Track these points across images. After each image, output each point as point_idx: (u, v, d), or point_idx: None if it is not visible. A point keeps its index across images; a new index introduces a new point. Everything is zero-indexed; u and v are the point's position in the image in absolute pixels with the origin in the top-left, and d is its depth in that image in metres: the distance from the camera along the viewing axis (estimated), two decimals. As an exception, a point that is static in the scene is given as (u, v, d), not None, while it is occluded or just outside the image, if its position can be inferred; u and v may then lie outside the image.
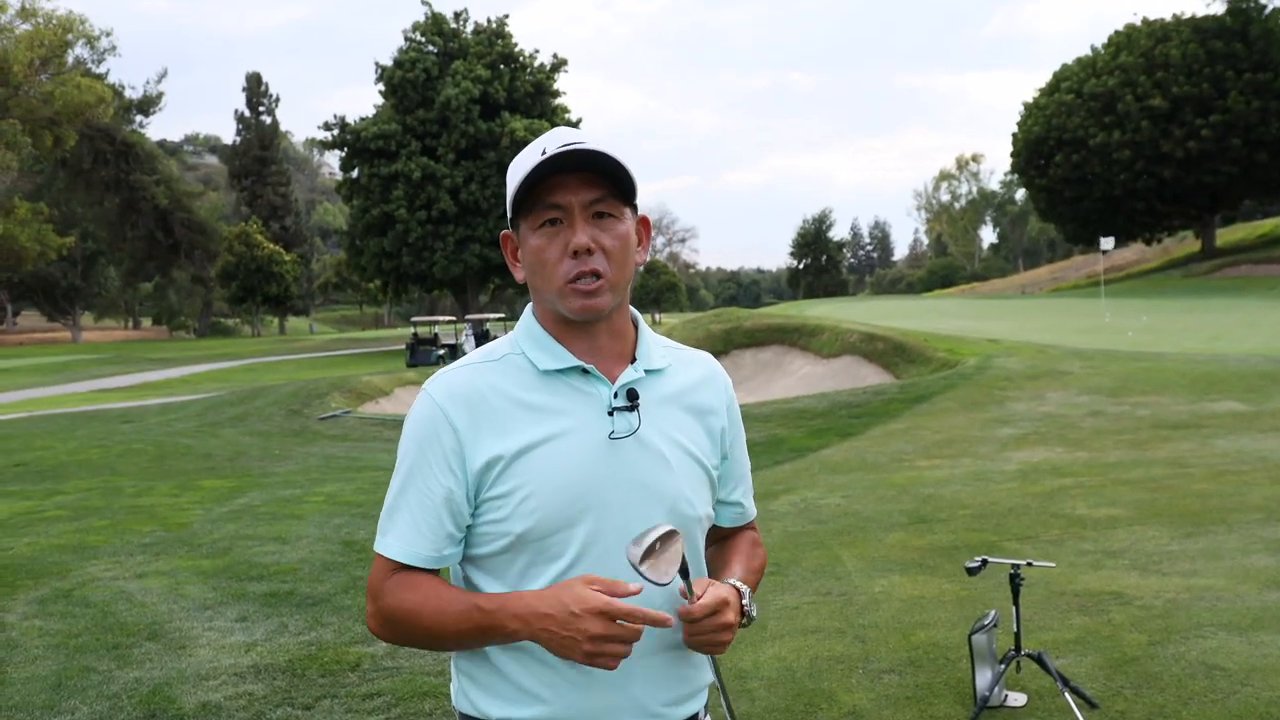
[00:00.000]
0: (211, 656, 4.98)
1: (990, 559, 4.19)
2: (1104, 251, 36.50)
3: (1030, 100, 63.16)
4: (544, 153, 1.45)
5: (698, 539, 1.61)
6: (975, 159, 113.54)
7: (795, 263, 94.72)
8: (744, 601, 1.53)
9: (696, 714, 1.60)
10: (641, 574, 1.35)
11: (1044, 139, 60.07)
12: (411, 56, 52.14)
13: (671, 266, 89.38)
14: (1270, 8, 54.56)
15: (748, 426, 1.76)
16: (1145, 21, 58.75)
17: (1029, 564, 4.18)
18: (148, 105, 76.18)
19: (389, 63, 52.59)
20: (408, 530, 1.49)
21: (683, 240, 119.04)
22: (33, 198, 61.40)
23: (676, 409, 1.57)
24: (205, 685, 4.60)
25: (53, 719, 4.31)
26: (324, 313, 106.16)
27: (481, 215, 50.50)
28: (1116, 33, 59.97)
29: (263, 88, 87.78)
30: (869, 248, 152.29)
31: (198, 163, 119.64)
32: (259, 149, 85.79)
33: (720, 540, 1.72)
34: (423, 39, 53.84)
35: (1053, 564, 5.16)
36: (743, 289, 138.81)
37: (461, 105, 49.75)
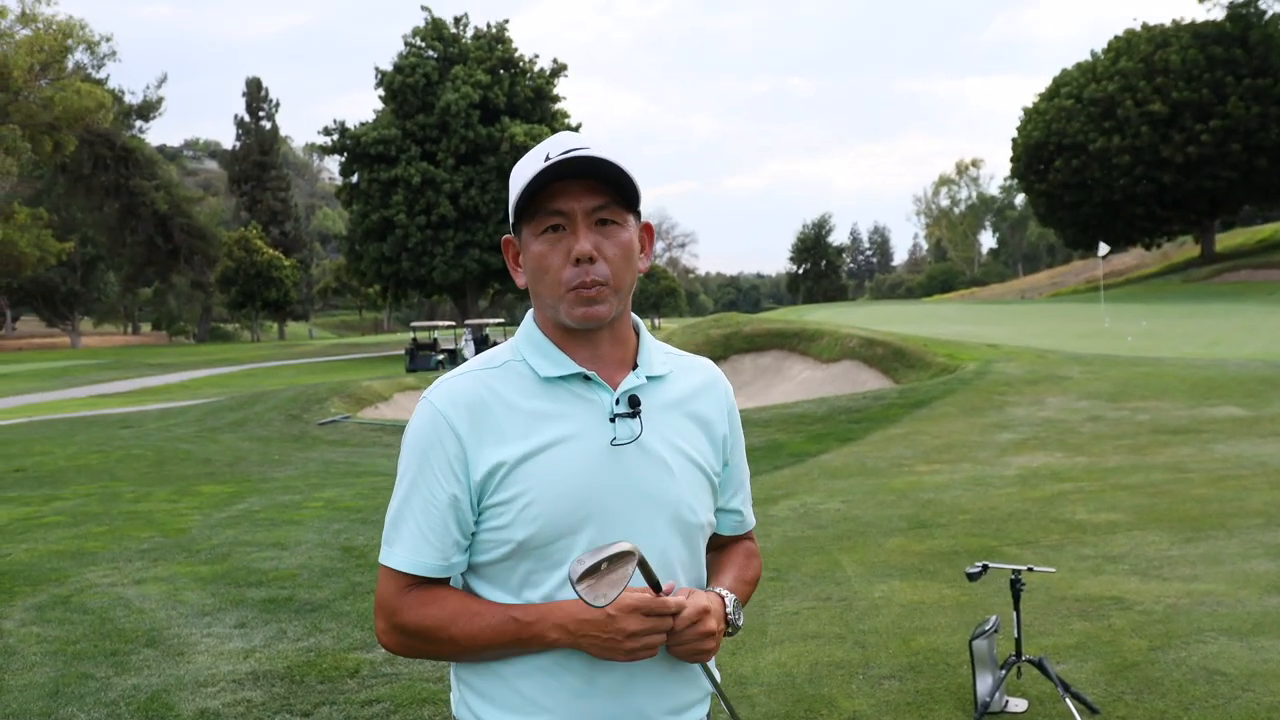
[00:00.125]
0: (210, 663, 4.97)
1: (991, 564, 4.18)
2: (1102, 257, 36.56)
3: (1030, 105, 63.30)
4: (547, 158, 1.44)
5: (699, 545, 1.60)
6: (975, 164, 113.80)
7: (795, 268, 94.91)
8: (727, 610, 1.52)
9: (698, 722, 1.59)
10: (578, 593, 1.31)
11: (1044, 144, 60.15)
12: (411, 62, 52.17)
13: (671, 271, 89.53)
14: (1270, 13, 54.67)
15: (747, 432, 1.76)
16: (1145, 27, 58.90)
17: (1029, 569, 4.18)
18: (148, 110, 76.41)
19: (389, 68, 52.62)
20: (414, 539, 1.48)
21: (682, 245, 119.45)
22: (32, 203, 61.46)
23: (678, 415, 1.56)
24: (204, 692, 4.59)
25: (51, 725, 4.30)
26: (323, 318, 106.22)
27: (481, 220, 50.49)
28: (1116, 38, 60.12)
29: (263, 93, 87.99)
30: (869, 253, 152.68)
31: (197, 168, 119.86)
32: (259, 154, 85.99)
33: (717, 549, 1.71)
34: (423, 44, 53.87)
35: (1053, 569, 5.15)
36: (742, 294, 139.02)
37: (461, 110, 49.78)
